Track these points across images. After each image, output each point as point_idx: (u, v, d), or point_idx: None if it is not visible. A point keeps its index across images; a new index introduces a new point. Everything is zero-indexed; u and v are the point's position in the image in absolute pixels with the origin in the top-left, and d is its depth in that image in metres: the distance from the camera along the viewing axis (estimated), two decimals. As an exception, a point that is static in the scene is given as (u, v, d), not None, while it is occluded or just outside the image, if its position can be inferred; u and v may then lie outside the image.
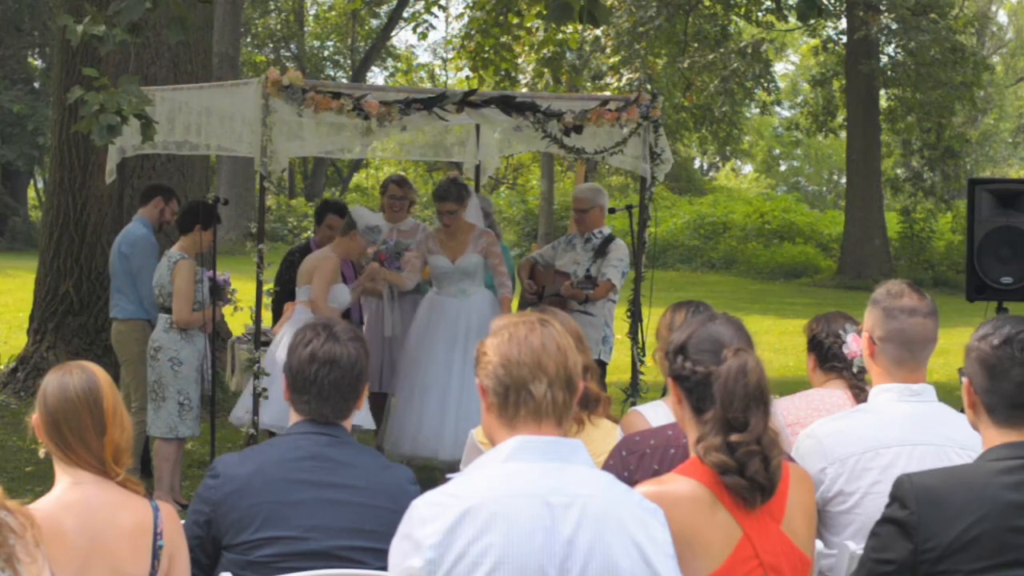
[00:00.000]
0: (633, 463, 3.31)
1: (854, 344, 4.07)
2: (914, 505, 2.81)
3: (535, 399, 2.61)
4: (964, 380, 2.95)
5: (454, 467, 6.21)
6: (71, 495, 3.13)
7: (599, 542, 2.51)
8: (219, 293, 7.20)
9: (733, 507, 2.75)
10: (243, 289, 8.30)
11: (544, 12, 14.49)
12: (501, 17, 15.67)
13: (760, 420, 2.74)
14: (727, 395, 2.74)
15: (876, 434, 3.37)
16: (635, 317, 7.38)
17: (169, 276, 6.96)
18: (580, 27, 16.54)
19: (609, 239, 7.82)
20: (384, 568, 3.30)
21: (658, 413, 4.06)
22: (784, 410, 4.09)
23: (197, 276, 7.01)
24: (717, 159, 47.63)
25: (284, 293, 7.85)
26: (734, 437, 2.72)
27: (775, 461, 2.75)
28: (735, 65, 24.12)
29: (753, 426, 2.73)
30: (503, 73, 16.27)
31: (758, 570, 2.75)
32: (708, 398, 2.80)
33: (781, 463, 2.78)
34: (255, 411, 6.62)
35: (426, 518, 2.53)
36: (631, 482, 2.89)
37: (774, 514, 2.79)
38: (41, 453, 3.24)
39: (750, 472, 2.71)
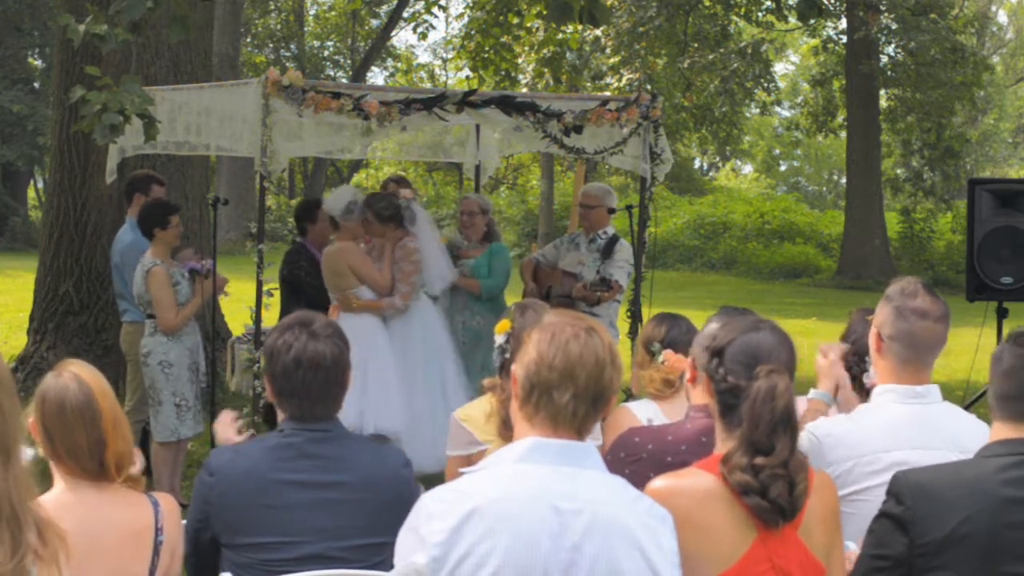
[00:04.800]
0: (628, 468, 3.30)
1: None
2: (909, 500, 2.82)
3: (555, 405, 2.59)
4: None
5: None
6: (69, 496, 3.12)
7: (605, 550, 2.50)
8: (197, 279, 7.10)
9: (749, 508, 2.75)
10: (243, 289, 8.30)
11: (544, 12, 14.49)
12: (501, 17, 15.66)
13: (786, 444, 2.72)
14: (754, 418, 2.72)
15: (875, 438, 3.35)
16: (635, 317, 7.38)
17: (144, 286, 6.90)
18: (580, 27, 16.54)
19: (614, 240, 7.82)
20: (383, 558, 3.32)
21: (648, 410, 4.07)
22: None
23: (174, 279, 6.94)
24: (717, 159, 47.64)
25: (287, 292, 7.86)
26: (759, 460, 2.71)
27: (800, 486, 2.73)
28: (735, 65, 24.11)
29: (779, 451, 2.71)
30: (503, 73, 16.26)
31: (769, 573, 2.74)
32: (733, 410, 2.80)
33: (807, 488, 2.76)
34: (254, 411, 6.63)
35: (433, 515, 2.52)
36: None
37: (792, 520, 2.78)
38: (40, 452, 3.24)
39: (772, 495, 2.70)
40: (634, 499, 2.62)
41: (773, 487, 2.69)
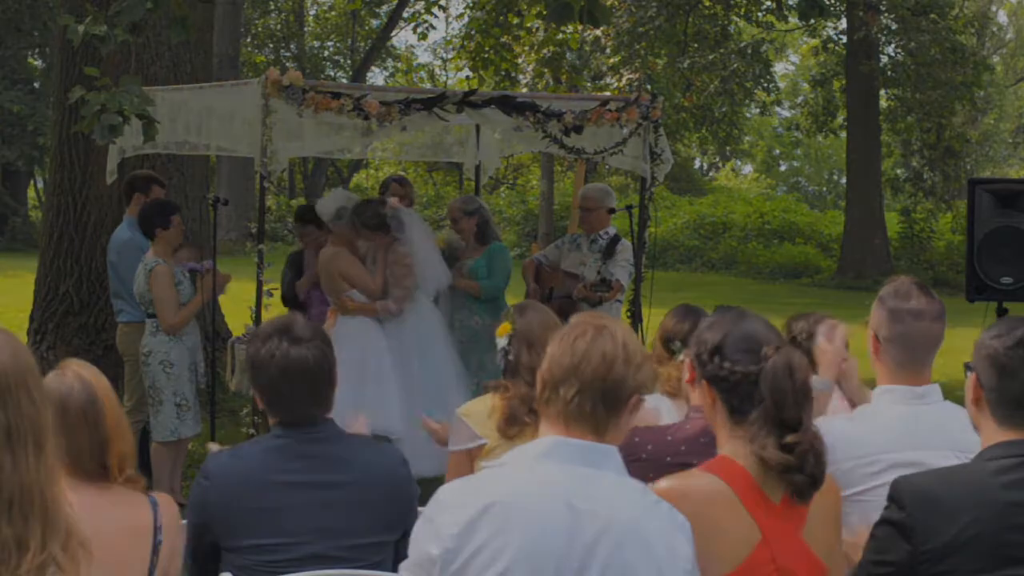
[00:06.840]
0: (627, 468, 3.29)
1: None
2: (910, 506, 2.80)
3: (561, 401, 2.60)
4: (971, 375, 2.93)
5: None
6: (67, 496, 3.12)
7: (619, 553, 2.50)
8: (197, 278, 7.11)
9: (754, 509, 2.73)
10: (243, 289, 8.29)
11: (544, 12, 14.49)
12: (501, 17, 15.68)
13: (808, 416, 2.73)
14: (778, 394, 2.70)
15: (875, 439, 3.34)
16: (635, 317, 7.39)
17: (147, 285, 6.91)
18: (580, 27, 16.53)
19: (616, 240, 7.82)
20: (382, 557, 3.32)
21: (663, 406, 4.07)
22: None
23: (176, 279, 6.95)
24: (717, 159, 47.62)
25: (288, 293, 7.90)
26: (791, 438, 2.69)
27: (823, 456, 2.75)
28: (735, 65, 24.11)
29: (806, 424, 2.71)
30: (503, 73, 16.27)
31: (774, 575, 2.73)
32: (748, 399, 2.75)
33: (824, 456, 2.77)
34: (254, 411, 6.63)
35: (449, 507, 2.53)
36: None
37: (795, 520, 2.77)
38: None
39: (809, 469, 2.70)
40: (652, 504, 2.61)
41: (807, 462, 2.70)
